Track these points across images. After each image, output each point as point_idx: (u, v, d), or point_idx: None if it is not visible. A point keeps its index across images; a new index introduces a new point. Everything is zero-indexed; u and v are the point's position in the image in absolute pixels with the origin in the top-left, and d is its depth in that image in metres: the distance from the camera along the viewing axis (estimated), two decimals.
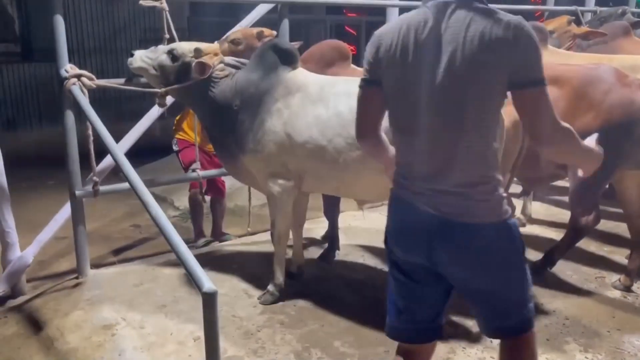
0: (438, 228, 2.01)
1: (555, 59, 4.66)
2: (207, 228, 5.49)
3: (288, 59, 3.63)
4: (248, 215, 5.05)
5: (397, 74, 2.01)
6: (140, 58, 3.80)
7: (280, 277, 3.88)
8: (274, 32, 4.51)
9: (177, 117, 5.32)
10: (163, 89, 3.81)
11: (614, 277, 4.19)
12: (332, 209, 4.58)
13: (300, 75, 3.63)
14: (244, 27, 4.95)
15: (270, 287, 3.87)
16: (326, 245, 4.63)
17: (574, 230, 4.06)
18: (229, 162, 3.87)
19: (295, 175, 3.61)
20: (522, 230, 5.04)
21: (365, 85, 2.16)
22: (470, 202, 1.99)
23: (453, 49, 1.88)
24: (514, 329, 2.15)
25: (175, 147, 5.26)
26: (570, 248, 4.16)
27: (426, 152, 2.01)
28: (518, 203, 5.26)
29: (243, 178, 3.97)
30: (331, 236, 4.61)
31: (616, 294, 4.04)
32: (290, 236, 4.05)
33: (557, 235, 4.83)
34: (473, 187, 1.98)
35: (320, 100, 3.47)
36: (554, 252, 4.17)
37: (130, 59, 3.83)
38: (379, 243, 4.83)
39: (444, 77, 1.90)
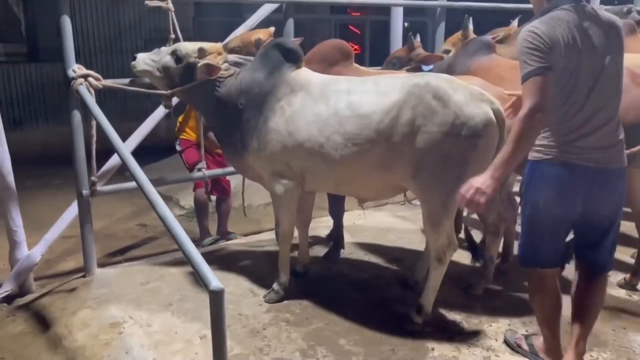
0: (597, 176, 2.69)
1: None
2: (213, 227, 5.51)
3: (292, 58, 3.63)
4: (242, 203, 4.99)
5: (573, 59, 2.59)
6: (144, 61, 3.81)
7: (284, 276, 3.89)
8: (272, 30, 4.50)
9: (180, 118, 5.34)
10: (169, 91, 3.82)
11: (620, 276, 4.18)
12: (337, 207, 4.59)
13: (304, 74, 3.63)
14: (245, 30, 4.97)
15: (275, 286, 3.88)
16: (331, 243, 4.64)
17: None
18: (236, 160, 3.88)
19: (298, 174, 3.61)
20: None
21: (544, 70, 2.56)
22: (619, 152, 2.74)
23: (603, 38, 2.64)
24: (611, 264, 2.95)
25: (178, 147, 5.29)
26: None
27: (595, 118, 2.67)
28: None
29: (249, 175, 3.98)
30: (336, 235, 4.62)
31: (621, 292, 4.04)
32: (296, 235, 4.05)
33: None
34: (620, 141, 2.75)
35: (321, 98, 3.47)
36: None
37: (133, 62, 3.84)
38: (384, 241, 4.90)
39: (607, 59, 2.65)
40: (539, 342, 3.20)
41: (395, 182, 3.47)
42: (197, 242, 5.14)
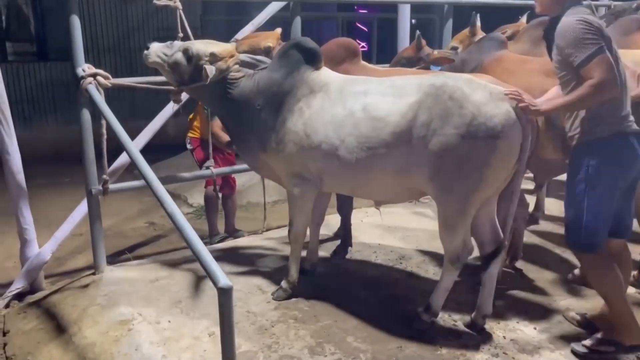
0: None
1: None
2: (221, 225, 5.53)
3: (312, 59, 3.59)
4: (264, 212, 5.06)
5: (609, 43, 2.98)
6: (156, 53, 3.73)
7: (294, 274, 3.89)
8: (278, 31, 4.49)
9: (190, 116, 5.36)
10: (178, 87, 3.81)
11: None
12: (345, 205, 4.59)
13: (324, 74, 3.59)
14: (252, 28, 4.98)
15: (283, 284, 3.88)
16: (339, 241, 4.64)
17: None
18: (251, 158, 3.86)
19: (316, 176, 3.59)
20: (536, 227, 5.09)
21: (605, 50, 2.92)
22: None
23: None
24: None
25: (189, 146, 5.31)
26: None
27: (626, 95, 3.06)
28: (532, 199, 5.24)
29: (264, 173, 3.99)
30: (344, 233, 4.62)
31: (630, 290, 4.02)
32: (307, 232, 4.06)
33: None
34: None
35: (339, 99, 3.43)
36: None
37: (145, 52, 3.75)
38: (392, 240, 4.89)
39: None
40: (610, 331, 3.23)
41: (413, 186, 3.40)
42: (205, 240, 5.15)
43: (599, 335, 3.27)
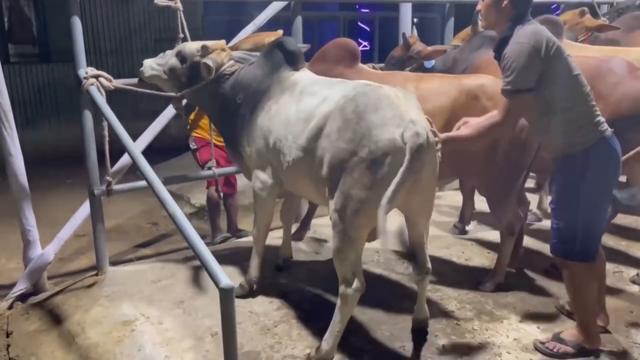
0: None
1: (569, 52, 4.63)
2: (224, 226, 5.53)
3: (291, 60, 3.61)
4: None
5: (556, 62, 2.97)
6: (150, 66, 3.86)
7: (253, 272, 3.88)
8: (280, 33, 4.50)
9: (191, 116, 5.36)
10: (179, 93, 3.85)
11: (632, 272, 4.18)
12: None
13: (298, 75, 3.58)
14: (254, 28, 4.99)
15: (242, 281, 3.90)
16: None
17: None
18: (237, 158, 3.89)
19: (276, 173, 3.57)
20: (538, 225, 5.09)
21: (527, 93, 2.99)
22: None
23: None
24: None
25: (192, 146, 5.31)
26: None
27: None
28: (534, 198, 5.24)
29: (248, 175, 3.99)
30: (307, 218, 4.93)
31: (634, 288, 4.02)
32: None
33: None
34: None
35: (296, 98, 3.39)
36: None
37: (141, 69, 3.88)
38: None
39: None
40: (573, 334, 3.24)
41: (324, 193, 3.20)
42: (207, 240, 5.16)
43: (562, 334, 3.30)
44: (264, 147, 3.51)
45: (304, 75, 3.60)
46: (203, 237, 2.74)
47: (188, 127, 5.36)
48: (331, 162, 2.98)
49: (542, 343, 3.29)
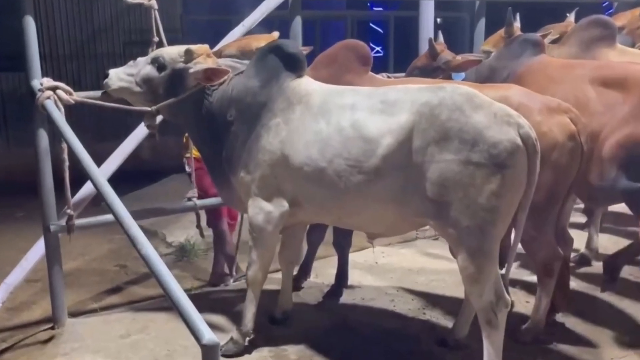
0: None
1: (624, 59, 4.68)
2: (203, 268, 5.51)
3: (292, 65, 3.65)
4: (237, 242, 5.02)
5: None
6: (118, 77, 3.81)
7: (248, 324, 3.87)
8: (276, 35, 4.53)
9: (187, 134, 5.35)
10: (154, 107, 3.81)
11: None
12: (343, 239, 4.65)
13: (305, 84, 3.64)
14: (243, 30, 5.01)
15: (234, 335, 3.89)
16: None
17: None
18: (224, 186, 3.90)
19: (293, 203, 3.61)
20: (589, 269, 5.08)
21: None
22: None
23: None
24: None
25: (187, 169, 5.22)
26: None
27: None
28: (582, 235, 5.24)
29: (239, 207, 4.00)
30: (340, 272, 4.70)
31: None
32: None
33: (630, 272, 4.82)
34: None
35: (322, 113, 3.47)
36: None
37: (106, 80, 3.83)
38: (413, 285, 4.90)
39: None
40: None
41: (412, 218, 3.41)
42: (196, 289, 5.15)
43: None
44: (274, 173, 3.54)
45: (314, 85, 3.65)
46: (182, 282, 2.74)
47: (184, 142, 5.32)
48: (440, 179, 3.14)
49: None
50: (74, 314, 4.54)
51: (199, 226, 5.02)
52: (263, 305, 4.05)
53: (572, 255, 4.83)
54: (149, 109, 3.84)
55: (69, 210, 4.13)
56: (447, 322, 4.29)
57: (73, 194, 4.22)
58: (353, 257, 5.04)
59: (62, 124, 3.77)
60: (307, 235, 4.66)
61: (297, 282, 4.79)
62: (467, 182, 3.09)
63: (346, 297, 4.68)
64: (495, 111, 3.15)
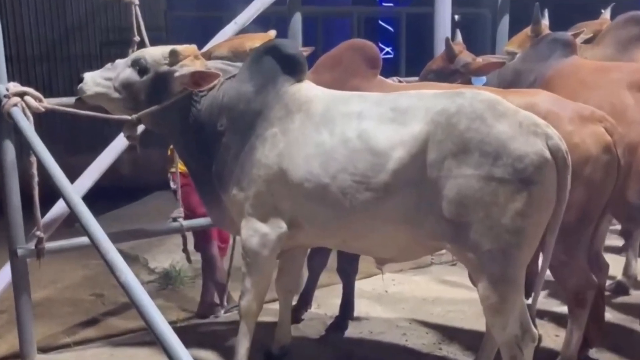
0: None
1: None
2: (190, 298, 5.52)
3: (291, 68, 3.66)
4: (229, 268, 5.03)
5: None
6: (94, 81, 3.80)
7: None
8: (272, 34, 4.53)
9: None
10: (134, 115, 3.79)
11: None
12: (348, 264, 4.64)
13: (305, 90, 3.65)
14: (236, 28, 5.03)
15: None
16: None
17: None
18: (213, 205, 3.91)
19: (291, 224, 3.61)
20: (626, 298, 5.08)
21: None
22: None
23: None
24: None
25: (172, 185, 5.22)
26: None
27: None
28: (618, 261, 5.24)
29: (231, 228, 4.01)
30: (345, 302, 4.69)
31: None
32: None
33: None
34: None
35: (325, 123, 3.46)
36: None
37: (80, 85, 3.83)
38: (428, 316, 4.91)
39: None
40: None
41: (427, 241, 3.40)
42: (185, 320, 5.16)
43: None
44: (270, 191, 3.55)
45: (315, 90, 3.66)
46: (165, 313, 2.74)
47: (169, 154, 5.33)
48: (458, 197, 3.13)
49: None
50: (44, 349, 4.55)
51: (185, 250, 5.02)
52: (258, 339, 4.06)
53: (608, 283, 4.84)
54: (129, 117, 3.83)
55: (38, 232, 4.13)
56: (466, 359, 4.29)
57: (43, 214, 4.24)
58: (360, 285, 5.05)
59: (31, 135, 3.77)
60: (307, 261, 4.65)
61: (296, 314, 4.79)
62: (489, 200, 3.08)
63: (352, 330, 4.69)
64: (521, 120, 3.14)
